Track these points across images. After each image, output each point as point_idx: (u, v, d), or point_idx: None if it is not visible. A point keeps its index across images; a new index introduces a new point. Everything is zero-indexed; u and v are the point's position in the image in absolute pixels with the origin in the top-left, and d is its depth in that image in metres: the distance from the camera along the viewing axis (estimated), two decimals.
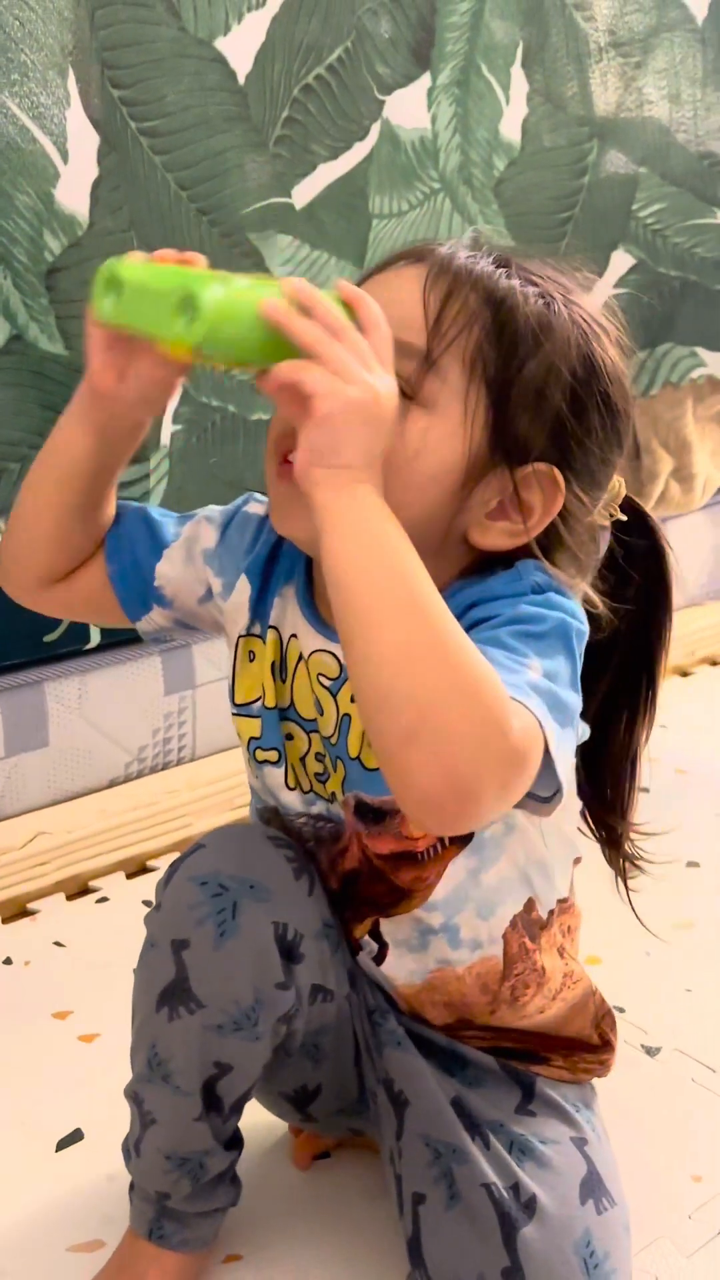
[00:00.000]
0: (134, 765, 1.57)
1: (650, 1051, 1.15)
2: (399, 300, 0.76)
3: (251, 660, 0.88)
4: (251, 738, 0.88)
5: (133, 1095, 0.86)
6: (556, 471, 0.77)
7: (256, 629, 0.88)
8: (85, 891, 1.42)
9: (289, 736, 0.87)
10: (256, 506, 0.91)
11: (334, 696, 0.84)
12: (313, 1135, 1.03)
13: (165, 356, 0.70)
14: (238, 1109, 0.85)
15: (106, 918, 1.37)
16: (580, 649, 0.75)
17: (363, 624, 0.66)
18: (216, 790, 1.57)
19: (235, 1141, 0.88)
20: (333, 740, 0.84)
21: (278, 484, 0.79)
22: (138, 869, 1.47)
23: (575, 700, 0.72)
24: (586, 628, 0.76)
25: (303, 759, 0.87)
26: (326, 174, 1.56)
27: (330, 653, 0.84)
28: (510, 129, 1.76)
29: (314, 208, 1.55)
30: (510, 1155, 0.83)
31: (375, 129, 1.59)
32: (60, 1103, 1.08)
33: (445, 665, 0.64)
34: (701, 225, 1.99)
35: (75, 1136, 1.05)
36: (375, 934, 0.88)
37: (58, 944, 1.32)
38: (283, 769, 0.88)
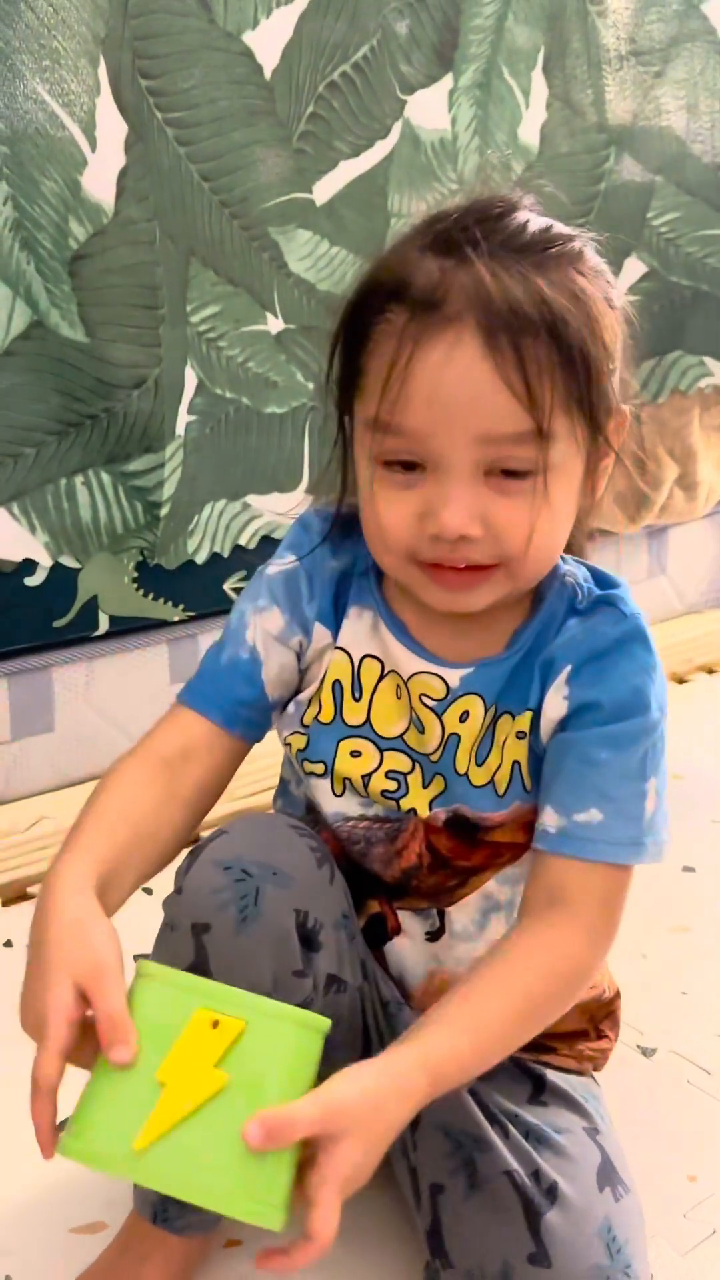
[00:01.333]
0: None
1: (646, 1053, 1.16)
2: (483, 396, 0.73)
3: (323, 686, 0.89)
4: (299, 750, 0.89)
5: None
6: (621, 406, 0.80)
7: (333, 657, 0.89)
8: None
9: (355, 754, 0.87)
10: (278, 565, 0.90)
11: (439, 716, 0.85)
12: None
13: None
14: None
15: None
16: None
17: None
18: None
19: None
20: (433, 758, 0.85)
21: (437, 590, 0.80)
22: None
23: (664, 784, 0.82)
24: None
25: (367, 776, 0.87)
26: (348, 171, 1.56)
27: (436, 674, 0.84)
28: (529, 133, 1.77)
29: (335, 204, 1.56)
30: (528, 1143, 0.84)
31: (397, 128, 1.60)
32: (63, 1085, 1.09)
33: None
34: (714, 236, 2.00)
35: None
36: (440, 914, 0.90)
37: None
38: (328, 780, 0.88)
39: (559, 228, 0.78)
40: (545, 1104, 0.90)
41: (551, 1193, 0.81)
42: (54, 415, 1.36)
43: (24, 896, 1.38)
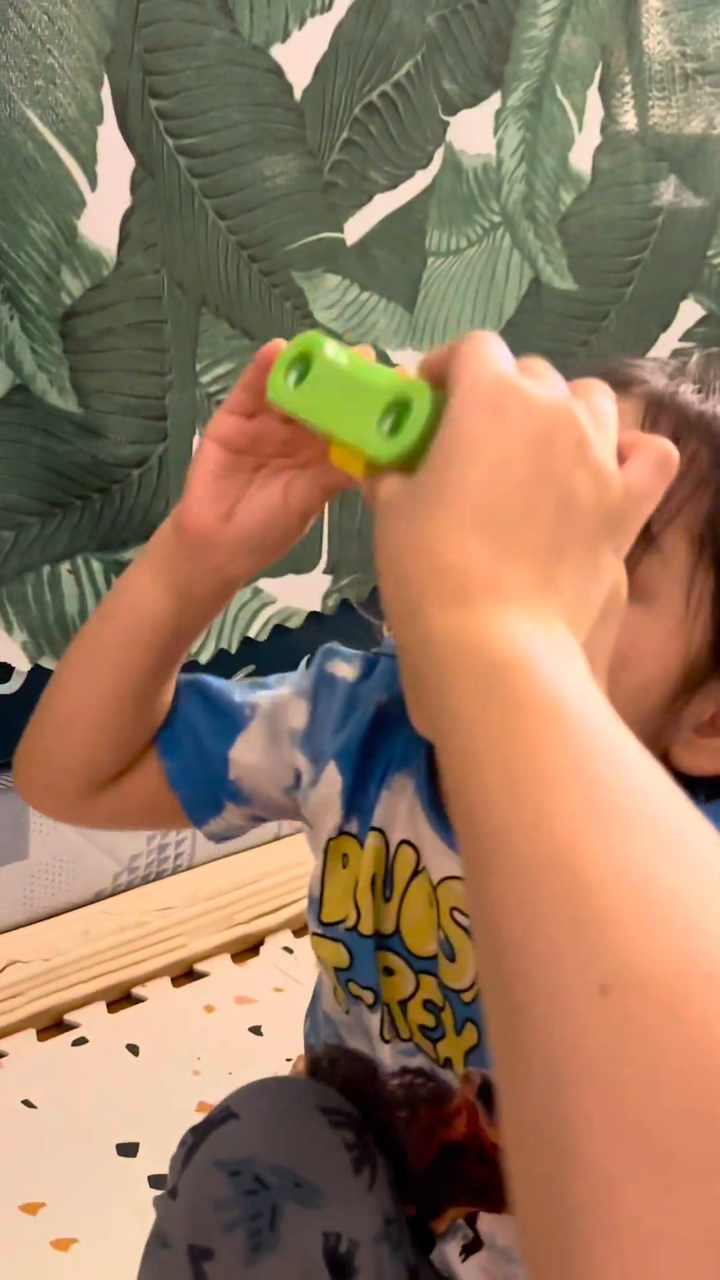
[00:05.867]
0: (124, 876, 1.37)
1: None
2: None
3: (344, 867, 0.68)
4: (338, 968, 0.68)
5: None
6: None
7: (353, 828, 0.67)
8: (60, 1026, 1.23)
9: (388, 971, 0.67)
10: (342, 668, 0.70)
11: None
12: None
13: (334, 467, 0.55)
14: None
15: (84, 1065, 1.18)
16: None
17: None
18: (215, 906, 1.38)
19: None
20: (465, 997, 0.65)
21: None
22: (121, 996, 1.28)
23: None
24: None
25: (404, 1003, 0.67)
26: (383, 205, 1.36)
27: None
28: (580, 159, 1.57)
29: (367, 243, 1.35)
30: None
31: (438, 155, 1.39)
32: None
33: None
34: None
35: None
36: (472, 1222, 0.70)
37: (27, 1104, 1.13)
38: (379, 1016, 0.68)
39: None
40: None
41: None
42: (37, 494, 1.15)
43: None
